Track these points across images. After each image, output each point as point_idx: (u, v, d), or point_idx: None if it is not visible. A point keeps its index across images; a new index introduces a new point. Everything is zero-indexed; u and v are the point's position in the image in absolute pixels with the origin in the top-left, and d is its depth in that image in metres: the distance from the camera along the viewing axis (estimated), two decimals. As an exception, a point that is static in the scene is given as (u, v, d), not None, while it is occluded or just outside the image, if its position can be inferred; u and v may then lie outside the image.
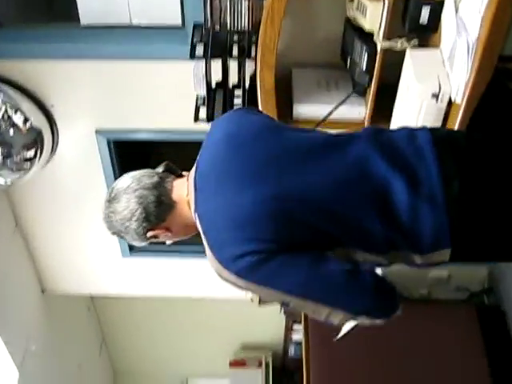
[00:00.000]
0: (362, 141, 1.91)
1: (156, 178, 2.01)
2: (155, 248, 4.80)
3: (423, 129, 1.96)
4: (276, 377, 6.53)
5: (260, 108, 2.97)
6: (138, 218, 1.99)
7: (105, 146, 4.02)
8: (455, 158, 1.85)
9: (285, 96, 3.16)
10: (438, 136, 1.92)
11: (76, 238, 4.66)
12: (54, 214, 4.48)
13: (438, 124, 2.56)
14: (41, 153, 3.85)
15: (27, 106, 3.73)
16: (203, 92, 3.16)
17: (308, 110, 3.14)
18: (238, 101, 3.23)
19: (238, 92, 3.23)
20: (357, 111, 3.09)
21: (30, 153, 3.82)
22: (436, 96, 2.50)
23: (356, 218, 1.84)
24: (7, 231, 4.41)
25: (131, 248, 4.74)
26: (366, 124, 3.07)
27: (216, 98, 3.20)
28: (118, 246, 4.71)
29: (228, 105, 3.22)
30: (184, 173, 2.09)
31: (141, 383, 7.43)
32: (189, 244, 4.52)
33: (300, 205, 1.83)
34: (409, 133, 1.94)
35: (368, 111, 3.03)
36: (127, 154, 4.32)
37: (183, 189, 2.00)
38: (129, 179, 2.05)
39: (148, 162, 5.12)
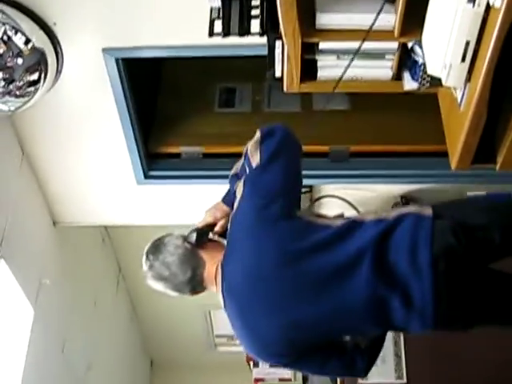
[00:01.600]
0: (365, 266, 2.32)
1: (189, 274, 2.55)
2: (172, 174, 4.85)
3: (425, 241, 2.32)
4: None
5: (280, 18, 2.94)
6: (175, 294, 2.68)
7: (113, 64, 3.99)
8: (449, 276, 2.30)
9: (307, 4, 3.12)
10: (437, 254, 2.29)
11: (87, 165, 4.70)
12: (62, 141, 4.51)
13: (475, 31, 2.53)
14: (45, 75, 3.85)
15: (28, 25, 3.71)
16: (218, 3, 3.13)
17: (332, 18, 3.09)
18: (255, 11, 3.20)
19: (256, 2, 3.20)
20: (386, 19, 3.03)
21: (34, 76, 3.82)
22: (472, 0, 2.46)
23: (358, 328, 2.52)
24: (14, 161, 4.45)
25: (146, 174, 4.78)
26: (395, 33, 3.03)
27: (232, 9, 3.18)
28: (132, 173, 4.74)
29: (245, 16, 3.20)
30: (213, 237, 2.69)
31: (161, 317, 7.58)
32: (208, 169, 4.61)
33: (314, 330, 2.46)
34: (410, 245, 2.32)
35: (398, 19, 2.99)
36: (137, 72, 4.32)
37: (213, 282, 2.56)
38: (163, 268, 2.57)
39: (159, 80, 5.14)
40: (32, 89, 3.86)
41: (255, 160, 2.48)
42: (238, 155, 4.58)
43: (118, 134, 4.41)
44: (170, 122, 4.96)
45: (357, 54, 3.01)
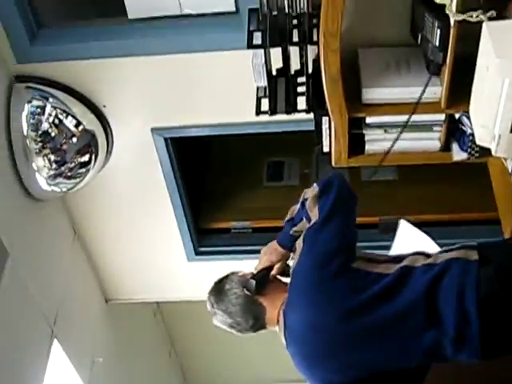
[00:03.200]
0: (419, 316, 2.39)
1: (251, 322, 2.59)
2: (222, 250, 4.85)
3: (471, 288, 2.34)
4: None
5: (326, 95, 2.96)
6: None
7: (162, 144, 4.05)
8: (494, 320, 2.35)
9: (352, 80, 3.14)
10: (483, 300, 2.32)
11: (138, 242, 4.72)
12: (113, 220, 4.56)
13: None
14: (96, 157, 3.92)
15: (78, 108, 3.81)
16: (264, 83, 3.16)
17: (378, 93, 3.11)
18: (301, 89, 3.22)
19: (301, 79, 3.23)
20: (432, 91, 3.03)
21: (85, 158, 3.90)
22: (521, 73, 2.44)
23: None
24: (66, 240, 4.49)
25: (197, 251, 4.79)
26: (442, 105, 3.02)
27: (278, 87, 3.21)
28: (182, 249, 4.75)
29: (291, 94, 3.22)
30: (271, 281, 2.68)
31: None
32: (255, 244, 4.60)
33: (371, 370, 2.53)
34: (458, 292, 2.34)
35: (444, 91, 2.99)
36: (186, 150, 4.36)
37: (275, 324, 2.59)
38: (226, 317, 2.62)
39: (208, 156, 5.19)
40: (83, 170, 3.93)
41: (313, 215, 2.49)
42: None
43: (169, 211, 4.45)
44: (219, 198, 5.01)
45: (404, 127, 3.01)
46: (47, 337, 4.08)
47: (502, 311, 2.36)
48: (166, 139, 4.04)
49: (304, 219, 2.56)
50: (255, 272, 2.68)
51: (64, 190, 3.98)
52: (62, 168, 3.86)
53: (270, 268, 2.69)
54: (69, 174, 3.90)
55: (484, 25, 2.66)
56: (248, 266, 4.71)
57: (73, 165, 3.88)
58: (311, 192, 2.53)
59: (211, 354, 7.02)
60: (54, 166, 3.84)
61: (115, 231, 4.63)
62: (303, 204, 2.55)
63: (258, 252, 4.74)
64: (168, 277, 5.04)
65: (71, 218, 4.52)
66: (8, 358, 3.59)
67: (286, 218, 2.74)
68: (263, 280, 2.62)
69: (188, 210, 4.52)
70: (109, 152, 4.03)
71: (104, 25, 3.78)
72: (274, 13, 3.00)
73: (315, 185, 2.54)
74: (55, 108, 3.73)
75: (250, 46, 3.11)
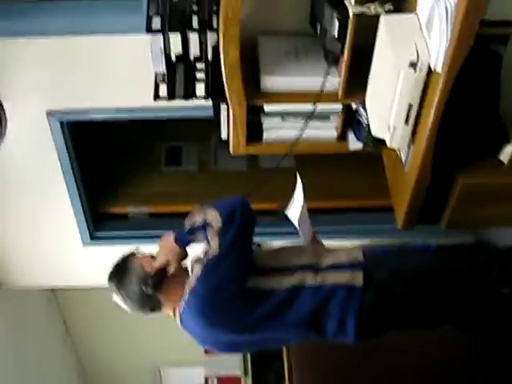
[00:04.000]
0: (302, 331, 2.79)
1: (147, 311, 2.80)
2: (118, 234, 4.80)
3: (352, 315, 2.68)
4: (255, 362, 6.56)
5: (225, 82, 2.95)
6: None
7: (58, 128, 3.97)
8: (369, 330, 2.78)
9: (251, 67, 3.14)
10: (361, 323, 2.69)
11: (32, 227, 4.63)
12: (6, 204, 4.45)
13: (418, 94, 2.56)
14: (-14, 140, 3.81)
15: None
16: (162, 68, 3.12)
17: (277, 82, 3.11)
18: (200, 75, 3.20)
19: (201, 65, 3.20)
20: (330, 82, 3.06)
21: (-26, 139, 3.78)
22: (414, 65, 2.49)
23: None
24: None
25: (92, 235, 4.73)
26: (339, 95, 3.06)
27: (177, 73, 3.18)
28: (77, 234, 4.68)
29: (190, 80, 3.20)
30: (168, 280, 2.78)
31: (110, 376, 7.44)
32: (155, 229, 4.58)
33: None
34: (339, 318, 2.69)
35: (342, 82, 3.02)
36: (83, 134, 4.28)
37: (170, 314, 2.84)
38: (124, 300, 2.79)
39: (106, 141, 5.11)
40: (-28, 153, 3.81)
41: (213, 246, 2.62)
42: (185, 214, 4.57)
43: (64, 196, 4.37)
44: (117, 183, 4.96)
45: (300, 116, 3.04)
46: None
47: (375, 323, 2.77)
48: (61, 123, 3.96)
49: (204, 241, 2.71)
50: (153, 271, 2.77)
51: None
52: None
53: (167, 266, 2.79)
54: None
55: (381, 18, 2.71)
56: (145, 251, 4.71)
57: (-38, 147, 3.77)
58: (214, 221, 2.63)
59: (107, 340, 6.96)
60: None
61: (8, 215, 4.52)
62: (205, 228, 2.66)
63: (155, 237, 4.72)
64: (63, 262, 4.96)
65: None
66: None
67: (187, 226, 2.79)
68: (160, 279, 2.73)
69: (84, 194, 4.45)
70: (2, 134, 3.91)
71: (1, 2, 3.64)
72: (174, -3, 2.98)
73: (218, 214, 2.63)
74: None
75: (149, 30, 3.07)
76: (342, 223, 4.86)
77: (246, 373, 6.62)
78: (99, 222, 4.80)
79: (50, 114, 3.90)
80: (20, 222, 4.59)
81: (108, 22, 3.48)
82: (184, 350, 6.70)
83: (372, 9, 2.75)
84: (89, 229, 4.68)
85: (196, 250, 2.87)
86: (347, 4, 2.81)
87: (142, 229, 4.81)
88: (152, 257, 2.85)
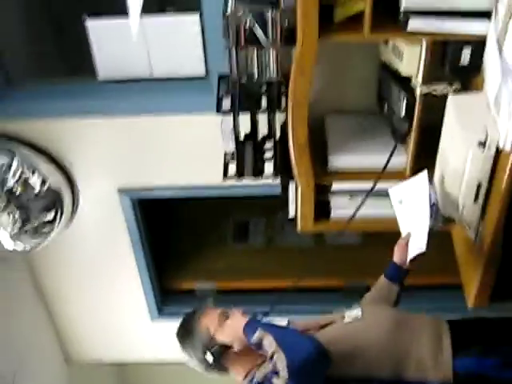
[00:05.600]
0: None
1: (218, 374, 2.69)
2: (185, 310, 4.81)
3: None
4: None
5: (293, 162, 2.99)
6: None
7: (128, 205, 4.05)
8: None
9: (319, 146, 3.17)
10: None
11: (101, 302, 4.67)
12: (76, 278, 4.51)
13: (487, 173, 2.55)
14: (61, 215, 3.88)
15: (44, 166, 3.79)
16: (232, 147, 3.18)
17: (344, 160, 3.14)
18: (268, 154, 3.24)
19: (269, 144, 3.25)
20: (397, 160, 3.07)
21: (50, 216, 3.86)
22: (483, 144, 2.48)
23: None
24: (27, 298, 4.43)
25: (160, 311, 4.75)
26: (407, 173, 3.06)
27: (245, 152, 3.22)
28: (145, 309, 4.71)
29: (259, 158, 3.24)
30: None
31: None
32: (221, 305, 4.57)
33: None
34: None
35: (409, 160, 3.03)
36: (151, 210, 4.35)
37: None
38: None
39: (173, 216, 5.18)
40: (47, 228, 3.89)
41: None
42: (251, 291, 4.57)
43: (133, 271, 4.42)
44: (184, 258, 4.98)
45: (369, 195, 3.04)
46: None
47: None
48: (132, 200, 4.04)
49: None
50: (214, 344, 2.63)
51: (27, 248, 3.93)
52: (26, 226, 3.82)
53: (230, 346, 2.64)
54: (33, 232, 3.86)
55: (449, 97, 2.72)
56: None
57: (37, 223, 3.84)
58: (281, 369, 2.30)
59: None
60: (19, 223, 3.80)
61: (78, 290, 4.58)
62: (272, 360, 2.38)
63: (222, 314, 4.74)
64: (131, 337, 4.98)
65: (33, 277, 4.46)
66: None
67: (256, 338, 2.46)
68: (221, 353, 2.62)
69: (152, 270, 4.51)
70: (74, 211, 4.00)
71: (73, 84, 3.77)
72: (243, 80, 3.03)
73: (286, 371, 2.29)
74: (21, 165, 3.71)
75: (219, 110, 3.13)
76: (410, 302, 4.78)
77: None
78: (167, 297, 4.82)
79: (121, 191, 3.98)
80: (89, 297, 4.64)
81: (178, 103, 3.56)
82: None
83: (439, 89, 2.77)
84: (157, 303, 4.70)
85: None
86: (414, 84, 2.85)
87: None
88: (221, 313, 2.66)
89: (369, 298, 2.91)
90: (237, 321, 2.62)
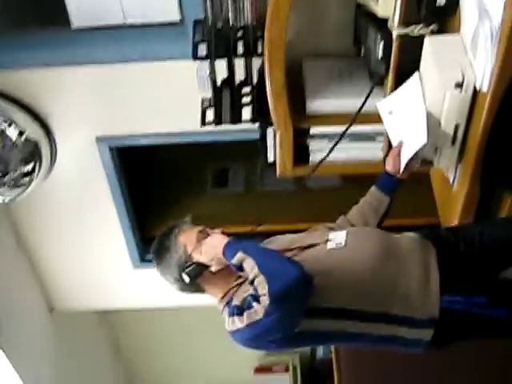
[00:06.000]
0: None
1: (191, 292, 2.59)
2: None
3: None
4: (305, 381, 6.54)
5: (270, 107, 2.98)
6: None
7: (107, 153, 4.04)
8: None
9: (297, 90, 3.16)
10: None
11: (83, 251, 4.69)
12: (57, 229, 4.51)
13: (464, 115, 2.56)
14: (39, 166, 3.87)
15: (21, 117, 3.76)
16: (209, 94, 3.17)
17: (322, 104, 3.14)
18: (246, 99, 3.24)
19: (246, 89, 3.24)
20: (375, 103, 3.06)
21: (28, 167, 3.85)
22: (460, 85, 2.49)
23: None
24: (9, 250, 4.44)
25: (142, 258, 4.77)
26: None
27: (223, 98, 3.21)
28: (128, 257, 4.73)
29: (236, 104, 3.24)
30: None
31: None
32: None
33: None
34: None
35: (387, 102, 3.03)
36: (130, 158, 4.34)
37: None
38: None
39: (153, 164, 5.17)
40: (26, 179, 3.88)
41: (259, 311, 2.26)
42: (232, 235, 4.57)
43: (114, 220, 4.43)
44: (164, 206, 4.99)
45: (345, 137, 3.03)
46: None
47: None
48: (111, 148, 4.03)
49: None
50: (191, 263, 2.49)
51: (7, 199, 3.93)
52: (5, 178, 3.81)
53: (209, 265, 2.50)
54: (12, 183, 3.85)
55: (426, 39, 2.72)
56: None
57: (16, 174, 3.83)
58: (262, 293, 2.25)
59: (158, 361, 6.98)
60: (-3, 176, 3.80)
61: (59, 240, 4.59)
62: (252, 283, 2.32)
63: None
64: (114, 285, 5.01)
65: (14, 228, 4.46)
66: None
67: (236, 259, 2.40)
68: (198, 273, 2.48)
69: (133, 218, 4.52)
70: (53, 162, 3.99)
71: (47, 33, 3.73)
72: (219, 24, 3.02)
73: (267, 291, 2.23)
74: (-2, 117, 3.70)
75: (195, 56, 3.12)
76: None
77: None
78: (149, 244, 4.83)
79: (99, 139, 3.97)
80: (71, 247, 4.65)
81: (154, 50, 3.55)
82: (234, 370, 6.74)
83: (416, 30, 2.76)
84: (139, 251, 4.73)
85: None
86: (391, 26, 2.83)
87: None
88: (200, 231, 2.52)
89: (356, 211, 2.84)
90: (216, 240, 2.47)
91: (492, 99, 2.42)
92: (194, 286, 2.53)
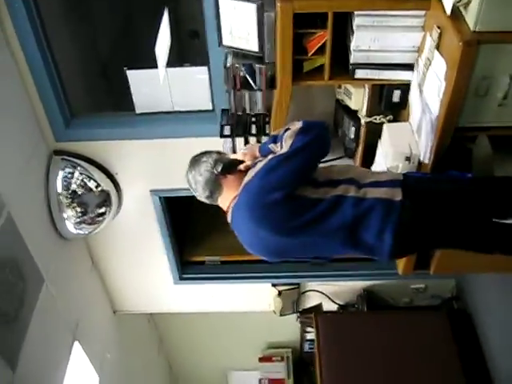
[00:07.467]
0: (341, 237, 2.13)
1: (207, 193, 2.31)
2: (198, 276, 4.81)
3: (390, 230, 2.07)
4: (295, 368, 6.47)
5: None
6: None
7: (157, 201, 4.04)
8: (404, 244, 2.15)
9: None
10: (398, 237, 2.08)
11: (138, 270, 4.64)
12: (121, 254, 4.48)
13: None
14: (110, 209, 3.90)
15: (98, 175, 3.79)
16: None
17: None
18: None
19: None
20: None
21: (102, 210, 3.87)
22: (408, 159, 2.50)
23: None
24: (86, 269, 4.42)
25: (180, 277, 4.74)
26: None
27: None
28: (170, 275, 4.71)
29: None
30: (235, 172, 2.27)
31: (192, 375, 7.34)
32: (225, 273, 4.60)
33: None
34: (378, 230, 2.08)
35: (357, 169, 3.04)
36: (175, 205, 4.34)
37: (225, 207, 2.32)
38: (192, 182, 2.35)
39: (190, 210, 5.16)
40: (100, 219, 3.90)
41: (286, 146, 2.09)
42: (250, 262, 4.51)
43: (161, 248, 4.42)
44: (198, 239, 4.98)
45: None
46: (70, 339, 4.00)
47: (411, 238, 2.16)
48: (160, 198, 4.03)
49: (278, 142, 2.19)
50: (229, 158, 2.35)
51: (86, 232, 3.94)
52: (85, 217, 3.83)
53: (240, 162, 2.31)
54: (90, 221, 3.87)
55: (384, 125, 2.74)
56: (218, 288, 4.74)
57: (93, 215, 3.85)
58: (294, 125, 2.14)
59: (191, 351, 6.90)
60: (79, 215, 3.81)
61: (122, 262, 4.56)
62: (285, 131, 2.18)
63: (226, 279, 4.77)
64: (159, 295, 4.96)
65: (90, 253, 4.45)
66: (40, 354, 3.50)
67: (272, 134, 2.37)
68: (230, 166, 2.27)
69: (175, 247, 4.49)
70: (120, 206, 4.00)
71: (118, 116, 3.77)
72: (239, 112, 3.04)
73: (301, 121, 2.14)
74: (81, 174, 3.72)
75: (222, 135, 3.14)
76: (357, 269, 4.75)
77: (288, 376, 6.50)
78: (185, 267, 4.80)
79: (152, 191, 3.98)
80: (130, 267, 4.61)
81: (192, 129, 3.57)
82: (245, 359, 6.67)
83: (378, 119, 2.79)
84: (178, 272, 4.69)
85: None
86: (360, 115, 2.86)
87: (215, 273, 4.82)
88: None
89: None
90: (252, 147, 2.38)
91: (432, 167, 2.43)
92: (217, 183, 2.26)
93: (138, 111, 3.61)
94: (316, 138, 2.09)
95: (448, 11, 2.14)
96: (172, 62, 3.26)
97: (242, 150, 2.39)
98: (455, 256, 2.68)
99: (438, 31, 2.22)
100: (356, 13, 2.44)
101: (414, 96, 2.56)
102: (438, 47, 2.25)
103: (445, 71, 2.17)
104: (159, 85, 3.39)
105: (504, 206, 2.10)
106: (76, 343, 4.06)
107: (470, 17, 2.06)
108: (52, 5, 3.66)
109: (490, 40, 2.06)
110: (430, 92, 2.35)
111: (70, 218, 3.79)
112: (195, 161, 2.33)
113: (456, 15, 2.13)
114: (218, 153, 2.34)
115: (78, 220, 3.83)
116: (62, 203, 3.73)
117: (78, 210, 3.80)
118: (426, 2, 2.34)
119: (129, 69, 3.44)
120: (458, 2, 2.09)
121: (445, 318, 4.33)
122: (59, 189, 3.70)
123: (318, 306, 5.02)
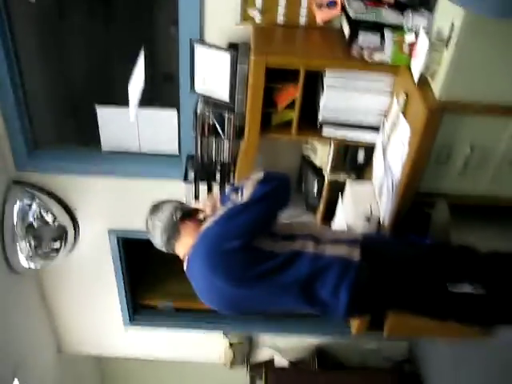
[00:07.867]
0: (295, 291, 2.09)
1: (164, 239, 2.24)
2: (149, 322, 4.71)
3: (346, 287, 2.05)
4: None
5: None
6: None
7: (114, 241, 3.97)
8: (360, 305, 2.13)
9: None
10: (354, 296, 2.05)
11: (88, 310, 4.52)
12: (72, 291, 4.37)
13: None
14: (65, 245, 3.82)
15: (56, 208, 3.72)
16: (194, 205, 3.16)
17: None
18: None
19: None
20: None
21: (57, 244, 3.79)
22: (368, 219, 2.52)
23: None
24: (34, 304, 4.28)
25: (131, 319, 4.63)
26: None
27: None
28: (121, 318, 4.59)
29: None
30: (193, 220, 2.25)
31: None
32: (177, 320, 4.50)
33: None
34: (334, 287, 2.06)
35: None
36: (132, 247, 4.26)
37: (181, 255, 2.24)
38: (150, 227, 2.29)
39: (148, 254, 5.07)
40: (54, 254, 3.82)
41: (245, 195, 2.08)
42: (201, 310, 4.44)
43: (113, 289, 4.32)
44: (151, 283, 4.90)
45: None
46: (10, 375, 3.83)
47: (367, 299, 2.14)
48: (118, 238, 3.96)
49: (239, 195, 2.16)
50: (190, 207, 2.34)
51: (38, 267, 3.84)
52: (39, 251, 3.74)
53: (201, 211, 2.30)
54: (43, 255, 3.78)
55: (347, 183, 2.76)
56: (170, 335, 4.61)
57: (47, 249, 3.77)
58: (256, 175, 2.13)
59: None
60: (33, 248, 3.72)
61: (72, 300, 4.43)
62: (245, 183, 2.17)
63: (178, 326, 4.67)
64: (108, 337, 4.83)
65: (41, 288, 4.32)
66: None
67: (233, 185, 2.41)
68: (189, 214, 2.25)
69: (128, 290, 4.39)
70: (75, 243, 3.91)
71: (83, 151, 3.72)
72: (205, 159, 3.04)
73: (262, 172, 2.12)
74: (39, 206, 3.64)
75: (186, 179, 3.13)
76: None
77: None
78: (137, 310, 4.70)
79: (110, 231, 3.91)
80: (80, 306, 4.49)
81: (157, 171, 3.55)
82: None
83: (341, 177, 2.81)
84: (129, 315, 4.59)
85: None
86: (324, 173, 2.88)
87: (168, 320, 4.72)
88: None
89: None
90: (214, 197, 2.38)
91: (391, 229, 2.44)
92: (176, 229, 2.21)
93: (104, 149, 3.58)
94: (276, 189, 2.08)
95: (416, 79, 2.20)
96: (143, 102, 3.26)
97: (204, 201, 2.38)
98: (409, 320, 2.64)
99: (405, 97, 2.28)
100: (327, 73, 2.48)
101: (377, 157, 2.60)
102: (403, 112, 2.30)
103: (409, 136, 2.21)
104: (128, 124, 3.38)
105: (458, 272, 2.13)
106: (15, 381, 3.88)
107: (436, 86, 2.12)
108: (29, 37, 3.66)
109: (454, 109, 2.11)
110: (393, 155, 2.38)
111: (23, 251, 3.69)
112: (155, 207, 2.31)
113: (423, 83, 2.19)
114: (179, 202, 2.33)
115: (31, 253, 3.74)
116: (17, 234, 3.64)
117: (33, 242, 3.71)
118: (396, 68, 2.40)
119: (99, 105, 3.43)
120: (425, 71, 2.15)
121: (395, 381, 4.30)
122: (15, 219, 3.61)
123: (270, 361, 4.94)
